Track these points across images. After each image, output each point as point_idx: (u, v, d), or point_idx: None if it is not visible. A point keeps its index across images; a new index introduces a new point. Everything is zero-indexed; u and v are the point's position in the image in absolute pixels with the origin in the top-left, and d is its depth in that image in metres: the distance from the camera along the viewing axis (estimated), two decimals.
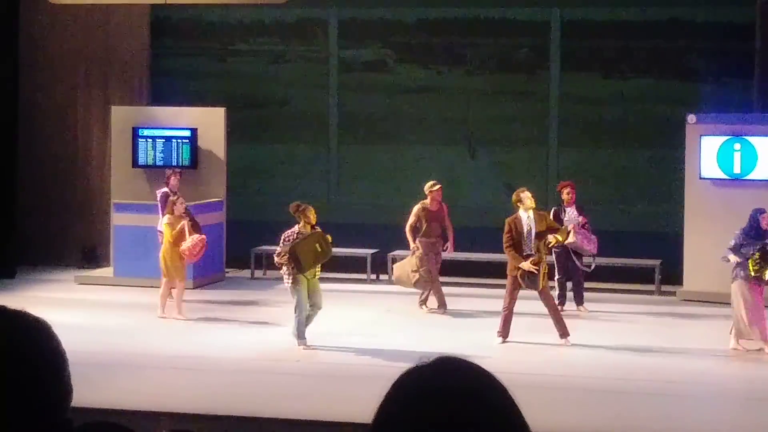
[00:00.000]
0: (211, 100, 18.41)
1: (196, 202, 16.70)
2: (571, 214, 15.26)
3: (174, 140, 17.91)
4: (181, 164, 17.84)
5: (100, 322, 14.48)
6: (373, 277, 17.90)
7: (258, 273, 18.25)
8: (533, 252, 13.10)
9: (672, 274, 16.61)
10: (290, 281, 12.99)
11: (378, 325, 14.40)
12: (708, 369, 12.33)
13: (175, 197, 15.01)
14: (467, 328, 14.18)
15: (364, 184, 18.53)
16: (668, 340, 13.68)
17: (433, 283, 15.17)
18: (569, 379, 11.78)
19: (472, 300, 15.96)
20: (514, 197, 13.42)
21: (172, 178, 16.08)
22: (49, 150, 18.88)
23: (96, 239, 18.76)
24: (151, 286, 16.51)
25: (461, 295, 16.11)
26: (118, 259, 17.35)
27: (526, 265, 12.94)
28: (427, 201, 15.12)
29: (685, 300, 16.17)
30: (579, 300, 15.51)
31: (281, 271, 13.18)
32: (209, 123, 17.89)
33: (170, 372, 12.10)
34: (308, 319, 13.17)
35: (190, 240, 14.63)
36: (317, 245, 12.90)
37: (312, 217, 13.07)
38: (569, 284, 15.48)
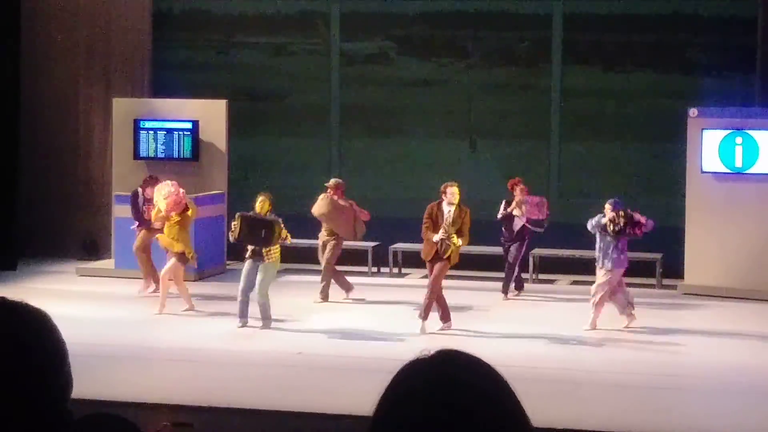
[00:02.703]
0: (213, 93, 18.40)
1: (197, 195, 16.69)
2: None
3: (175, 132, 17.90)
4: (182, 156, 17.86)
5: (101, 313, 14.48)
6: (375, 269, 17.91)
7: None
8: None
9: (673, 268, 16.61)
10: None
11: (379, 318, 14.39)
12: (709, 362, 12.34)
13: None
14: (469, 321, 14.17)
15: (366, 176, 18.52)
16: (669, 333, 13.68)
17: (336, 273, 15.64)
18: (570, 372, 11.78)
19: (473, 293, 15.96)
20: (441, 188, 13.55)
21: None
22: (51, 142, 18.88)
23: (97, 231, 18.76)
24: None
25: (462, 288, 16.11)
26: (119, 251, 17.35)
27: (437, 237, 13.17)
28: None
29: (686, 294, 16.17)
30: (505, 288, 15.83)
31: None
32: (211, 115, 17.88)
33: (171, 364, 12.10)
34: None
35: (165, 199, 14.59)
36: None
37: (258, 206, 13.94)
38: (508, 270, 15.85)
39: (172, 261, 14.44)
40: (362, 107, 19.08)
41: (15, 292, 14.64)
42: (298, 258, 17.75)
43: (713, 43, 17.79)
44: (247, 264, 13.64)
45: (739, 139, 16.05)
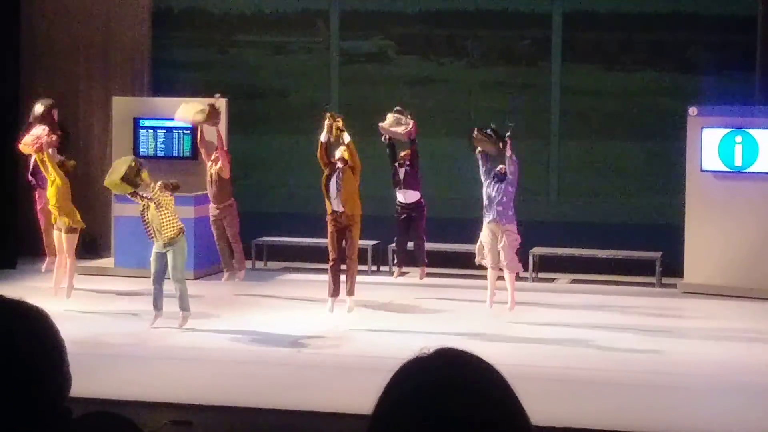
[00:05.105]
0: (213, 91, 18.36)
1: (197, 193, 16.68)
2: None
3: (175, 131, 17.89)
4: (182, 155, 17.85)
5: (100, 312, 14.48)
6: (374, 268, 17.91)
7: (259, 264, 18.27)
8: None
9: (673, 267, 16.61)
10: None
11: (378, 317, 14.39)
12: (710, 361, 12.33)
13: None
14: (467, 319, 14.18)
15: (365, 174, 18.47)
16: (669, 332, 13.68)
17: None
18: (569, 371, 11.78)
19: (472, 291, 15.94)
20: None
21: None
22: None
23: (97, 230, 18.73)
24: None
25: (461, 287, 16.12)
26: (118, 250, 17.36)
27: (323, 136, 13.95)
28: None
29: (686, 292, 16.17)
30: (420, 261, 15.78)
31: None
32: None
33: (170, 362, 12.10)
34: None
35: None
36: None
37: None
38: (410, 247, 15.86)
39: (67, 237, 14.66)
40: (362, 106, 19.06)
41: (14, 291, 14.62)
42: (302, 257, 17.75)
43: (713, 41, 17.79)
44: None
45: (738, 138, 16.04)
